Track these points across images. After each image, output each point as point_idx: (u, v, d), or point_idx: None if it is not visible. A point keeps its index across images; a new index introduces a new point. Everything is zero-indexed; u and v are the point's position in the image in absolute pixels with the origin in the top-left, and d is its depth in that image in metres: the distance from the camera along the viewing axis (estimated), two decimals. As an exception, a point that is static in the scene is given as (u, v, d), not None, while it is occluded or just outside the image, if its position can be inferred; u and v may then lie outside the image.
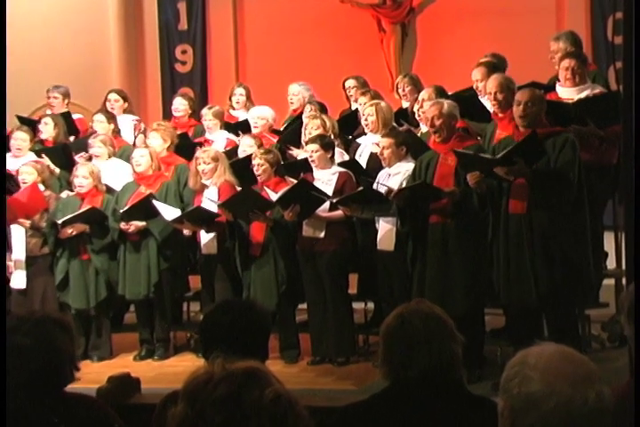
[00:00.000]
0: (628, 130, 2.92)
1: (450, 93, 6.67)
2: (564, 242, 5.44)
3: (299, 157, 6.95)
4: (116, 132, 7.76)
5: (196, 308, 7.38)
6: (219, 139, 7.71)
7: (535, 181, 5.41)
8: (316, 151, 6.38)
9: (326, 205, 6.28)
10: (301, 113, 7.62)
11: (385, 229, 6.09)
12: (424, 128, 6.63)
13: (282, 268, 6.45)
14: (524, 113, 5.51)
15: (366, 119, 6.69)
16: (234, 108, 8.23)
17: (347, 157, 6.76)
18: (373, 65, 9.56)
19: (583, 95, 6.18)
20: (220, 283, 6.70)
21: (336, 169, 6.42)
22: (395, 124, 6.90)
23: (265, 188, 6.55)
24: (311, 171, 6.48)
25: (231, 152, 7.23)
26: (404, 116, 7.03)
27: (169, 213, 6.70)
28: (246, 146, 7.10)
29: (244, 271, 6.53)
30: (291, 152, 7.09)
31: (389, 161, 6.17)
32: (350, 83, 7.92)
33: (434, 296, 5.59)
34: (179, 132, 7.74)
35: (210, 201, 6.61)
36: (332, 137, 6.66)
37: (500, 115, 5.97)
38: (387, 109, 6.70)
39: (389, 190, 5.85)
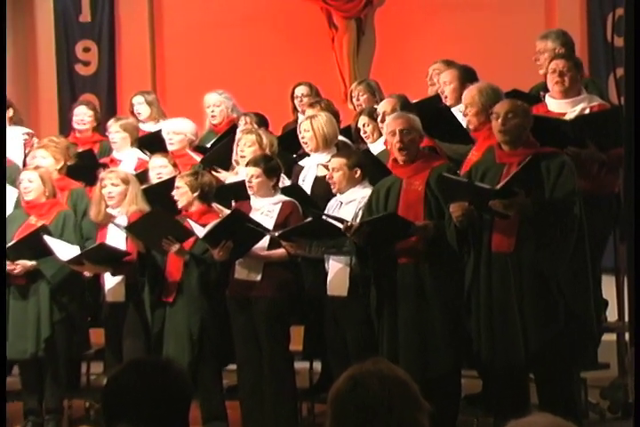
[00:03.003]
0: (629, 152, 2.95)
1: (414, 102, 6.74)
2: (560, 288, 5.44)
3: (226, 181, 6.95)
4: None
5: (98, 369, 7.33)
6: (128, 158, 7.70)
7: (536, 216, 5.40)
8: (257, 177, 6.36)
9: (265, 241, 6.29)
10: (229, 128, 7.64)
11: (336, 269, 6.10)
12: (379, 147, 6.68)
13: (196, 319, 6.39)
14: (503, 127, 5.54)
15: (303, 137, 6.74)
16: (141, 122, 8.22)
17: (288, 183, 6.76)
18: (322, 69, 9.64)
19: (578, 108, 6.26)
20: (129, 338, 6.65)
21: (279, 198, 6.42)
22: (349, 141, 6.95)
23: (187, 219, 6.53)
24: (247, 198, 6.48)
25: (142, 175, 7.22)
26: (347, 133, 7.09)
27: (65, 250, 6.66)
28: (159, 168, 7.10)
29: (155, 318, 6.48)
30: (217, 175, 7.08)
31: (340, 186, 6.20)
32: (302, 90, 7.99)
33: (411, 356, 5.65)
34: (80, 149, 7.70)
35: (116, 226, 6.56)
36: (270, 157, 6.70)
37: (474, 133, 6.03)
38: (326, 123, 6.74)
39: (349, 225, 5.84)
